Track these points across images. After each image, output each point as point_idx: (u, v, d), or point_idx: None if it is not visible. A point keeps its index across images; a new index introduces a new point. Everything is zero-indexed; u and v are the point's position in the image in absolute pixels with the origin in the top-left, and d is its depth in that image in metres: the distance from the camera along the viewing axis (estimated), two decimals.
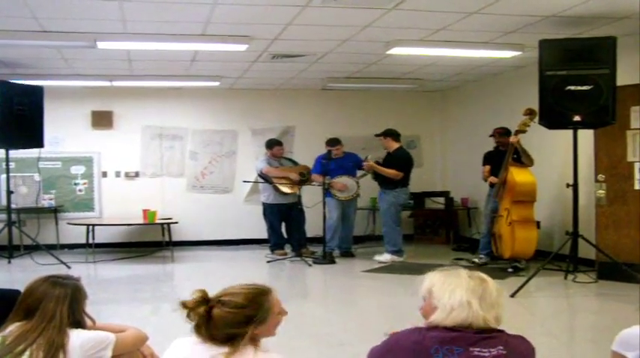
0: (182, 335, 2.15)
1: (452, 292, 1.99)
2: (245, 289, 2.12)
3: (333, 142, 8.32)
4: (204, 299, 2.06)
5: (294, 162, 8.94)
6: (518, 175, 6.74)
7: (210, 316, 2.03)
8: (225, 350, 1.99)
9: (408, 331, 1.99)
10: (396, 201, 7.89)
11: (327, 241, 8.01)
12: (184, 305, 2.07)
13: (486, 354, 1.88)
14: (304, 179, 8.49)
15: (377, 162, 8.00)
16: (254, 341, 2.05)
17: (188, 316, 2.06)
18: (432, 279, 2.08)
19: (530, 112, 6.53)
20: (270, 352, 2.06)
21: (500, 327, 2.04)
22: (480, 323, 1.94)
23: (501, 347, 1.91)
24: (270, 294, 2.14)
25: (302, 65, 8.07)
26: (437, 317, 1.97)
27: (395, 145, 8.05)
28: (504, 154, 6.93)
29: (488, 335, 1.93)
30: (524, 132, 6.67)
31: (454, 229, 9.82)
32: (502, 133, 7.39)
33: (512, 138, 6.80)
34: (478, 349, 1.89)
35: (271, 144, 8.71)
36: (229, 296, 2.08)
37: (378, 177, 8.05)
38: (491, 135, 7.58)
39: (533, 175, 6.82)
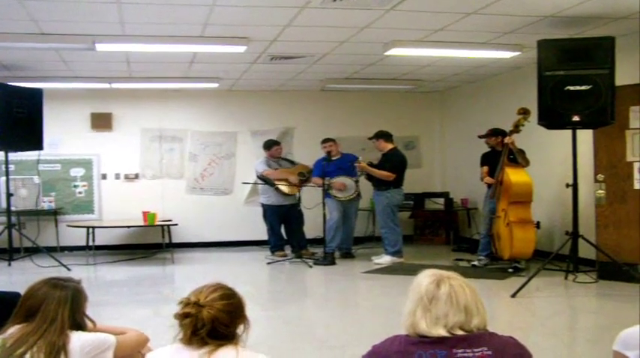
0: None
1: (409, 299, 1.98)
2: (219, 289, 2.11)
3: (324, 140, 8.41)
4: (193, 304, 2.02)
5: (293, 162, 8.95)
6: (513, 176, 6.74)
7: (201, 319, 1.98)
8: (208, 348, 1.96)
9: (388, 341, 1.96)
10: (389, 201, 7.85)
11: (327, 242, 8.02)
12: (177, 316, 2.02)
13: (470, 355, 1.86)
14: (304, 179, 8.50)
15: (370, 163, 7.99)
16: (236, 338, 2.04)
17: (181, 325, 2.01)
18: (413, 282, 2.04)
19: (523, 112, 6.52)
20: (251, 351, 2.02)
21: (502, 328, 2.03)
22: (432, 333, 1.88)
23: (486, 348, 1.87)
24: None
25: (301, 66, 8.07)
26: (404, 325, 1.96)
27: (388, 146, 8.03)
28: (501, 154, 6.92)
29: (470, 335, 1.90)
30: (518, 132, 6.66)
31: (454, 230, 9.82)
32: (490, 134, 7.39)
33: (506, 139, 6.79)
34: (461, 350, 1.86)
35: (269, 144, 8.71)
36: (210, 296, 2.05)
37: (371, 178, 8.04)
38: (480, 137, 7.58)
39: (529, 175, 6.82)
